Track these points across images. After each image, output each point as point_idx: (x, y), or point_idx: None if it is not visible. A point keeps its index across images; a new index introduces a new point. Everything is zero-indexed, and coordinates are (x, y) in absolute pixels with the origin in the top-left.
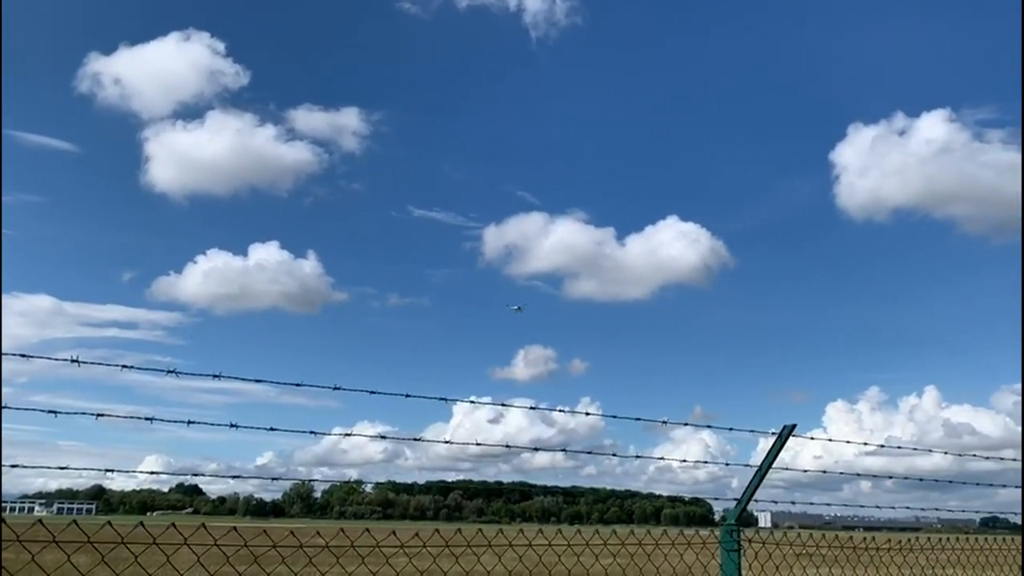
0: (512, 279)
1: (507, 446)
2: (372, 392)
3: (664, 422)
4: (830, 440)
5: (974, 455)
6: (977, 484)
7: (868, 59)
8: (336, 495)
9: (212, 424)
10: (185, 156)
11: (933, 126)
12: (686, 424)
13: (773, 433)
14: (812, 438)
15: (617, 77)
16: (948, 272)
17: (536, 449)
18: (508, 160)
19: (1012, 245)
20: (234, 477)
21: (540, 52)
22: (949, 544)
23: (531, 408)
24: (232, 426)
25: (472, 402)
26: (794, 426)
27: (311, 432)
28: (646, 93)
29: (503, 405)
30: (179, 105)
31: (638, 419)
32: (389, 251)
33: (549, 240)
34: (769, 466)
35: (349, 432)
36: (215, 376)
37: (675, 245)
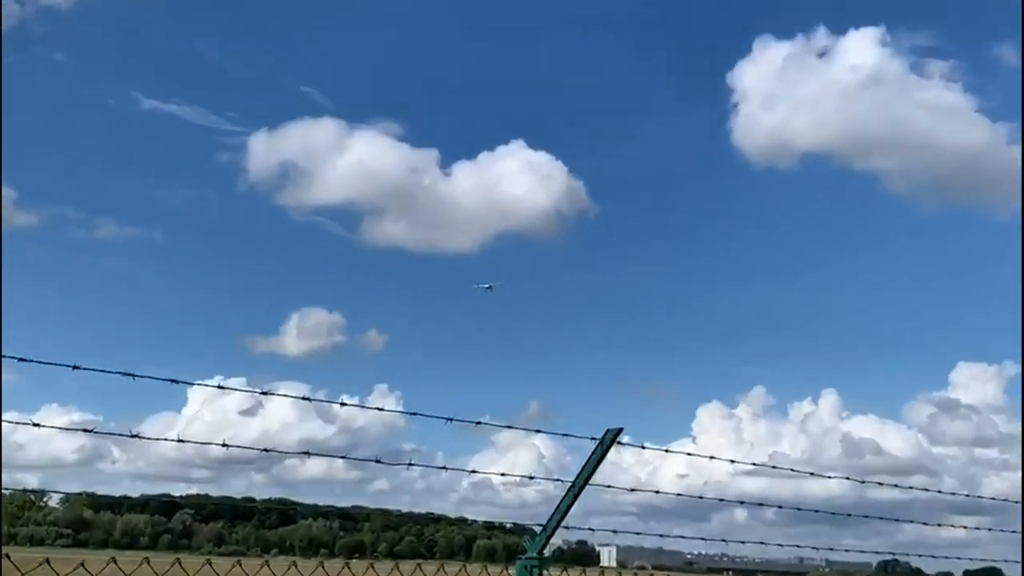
0: (287, 212)
1: (265, 450)
2: (74, 367)
3: (478, 423)
4: (693, 455)
5: (879, 483)
6: (880, 518)
7: None
8: (6, 511)
9: None
10: None
11: (861, 49)
12: (509, 427)
13: (593, 439)
14: (642, 446)
15: None
16: (865, 243)
17: (306, 454)
18: (290, 42)
19: (947, 212)
20: None
21: None
22: None
23: (303, 399)
24: None
25: (219, 387)
26: (619, 431)
27: None
28: None
29: (263, 393)
30: None
31: (450, 419)
32: (103, 157)
33: (344, 160)
34: (585, 483)
35: (31, 420)
36: None
37: (519, 181)
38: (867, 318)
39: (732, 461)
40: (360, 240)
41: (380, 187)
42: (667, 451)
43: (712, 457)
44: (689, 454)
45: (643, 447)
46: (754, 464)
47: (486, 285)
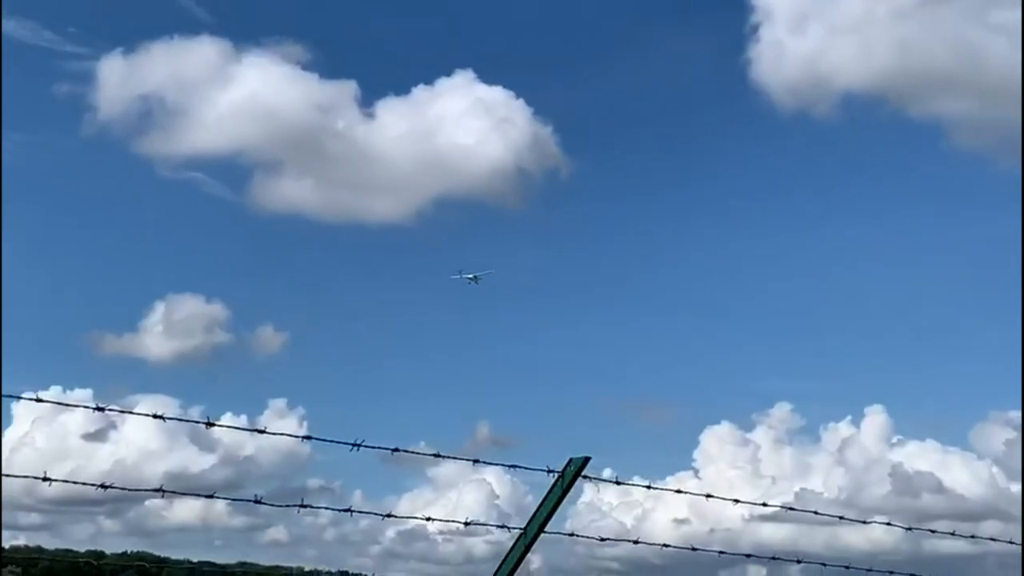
0: (150, 164)
1: (101, 486)
2: None
3: (395, 450)
4: (685, 492)
5: (938, 531)
6: None
7: None
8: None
9: None
10: None
11: None
12: (436, 455)
13: (551, 472)
14: (616, 482)
15: None
16: (922, 216)
17: (159, 491)
18: None
19: None
20: None
21: None
22: None
23: (162, 419)
24: None
25: (60, 403)
26: (585, 461)
27: None
28: None
29: (112, 410)
30: None
31: (357, 444)
32: None
33: (228, 95)
34: (539, 530)
35: None
36: None
37: (467, 126)
38: (925, 314)
39: (736, 501)
40: (249, 204)
41: (277, 133)
42: (648, 487)
43: (709, 496)
44: (679, 491)
45: (616, 482)
46: (774, 506)
47: (470, 275)
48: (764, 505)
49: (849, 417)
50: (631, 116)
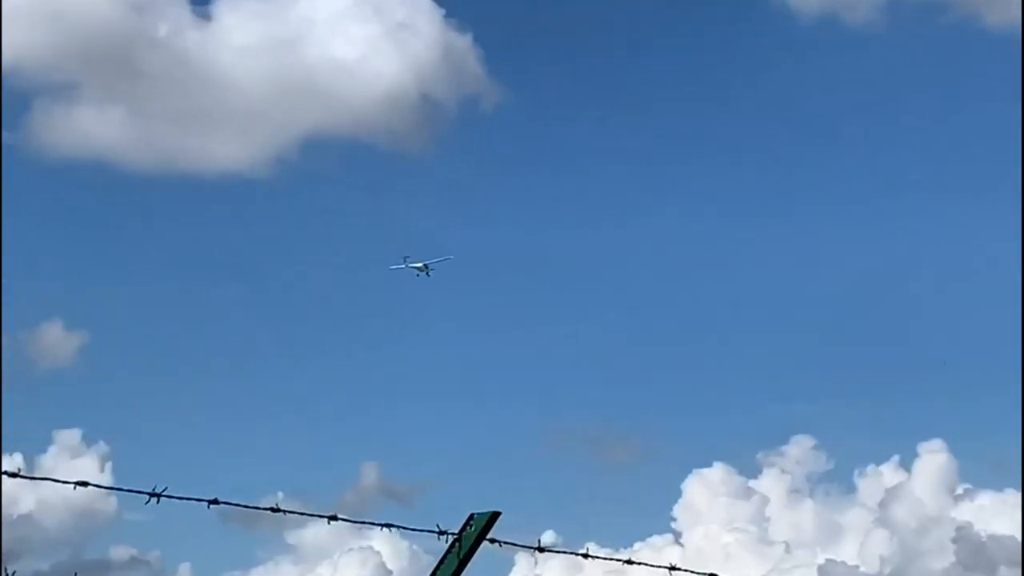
0: None
1: None
2: None
3: (213, 503)
4: (637, 563)
5: None
6: None
7: None
8: None
9: None
10: None
11: None
12: (283, 511)
13: (444, 535)
14: (539, 548)
15: None
16: (993, 166)
17: None
18: None
19: None
20: None
21: None
22: None
23: None
24: None
25: None
26: (492, 519)
27: None
28: None
29: None
30: None
31: (156, 494)
32: None
33: None
34: None
35: None
36: None
37: (346, 33)
38: (1004, 313)
39: None
40: (27, 145)
41: (70, 42)
42: (586, 555)
43: (672, 568)
44: (628, 562)
45: (538, 548)
46: None
47: (417, 265)
48: None
49: (896, 458)
50: (589, 22)
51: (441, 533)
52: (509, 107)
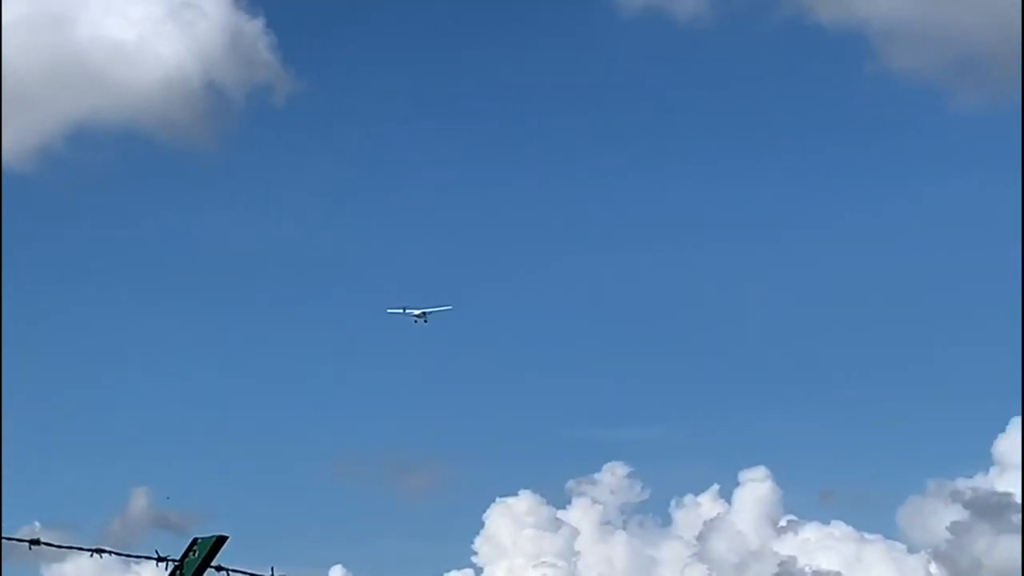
0: None
1: None
2: None
3: None
4: None
5: None
6: None
7: None
8: None
9: None
10: None
11: None
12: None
13: (164, 562)
14: None
15: None
16: (844, 169)
17: None
18: None
19: None
20: None
21: None
22: None
23: None
24: None
25: None
26: (218, 543)
27: None
28: None
29: None
30: None
31: None
32: None
33: None
34: None
35: None
36: None
37: (122, 13)
38: (828, 331)
39: None
40: None
41: None
42: None
43: None
44: None
45: None
46: None
47: (416, 312)
48: None
49: (716, 487)
50: (394, 7)
51: (160, 560)
52: (302, 99)
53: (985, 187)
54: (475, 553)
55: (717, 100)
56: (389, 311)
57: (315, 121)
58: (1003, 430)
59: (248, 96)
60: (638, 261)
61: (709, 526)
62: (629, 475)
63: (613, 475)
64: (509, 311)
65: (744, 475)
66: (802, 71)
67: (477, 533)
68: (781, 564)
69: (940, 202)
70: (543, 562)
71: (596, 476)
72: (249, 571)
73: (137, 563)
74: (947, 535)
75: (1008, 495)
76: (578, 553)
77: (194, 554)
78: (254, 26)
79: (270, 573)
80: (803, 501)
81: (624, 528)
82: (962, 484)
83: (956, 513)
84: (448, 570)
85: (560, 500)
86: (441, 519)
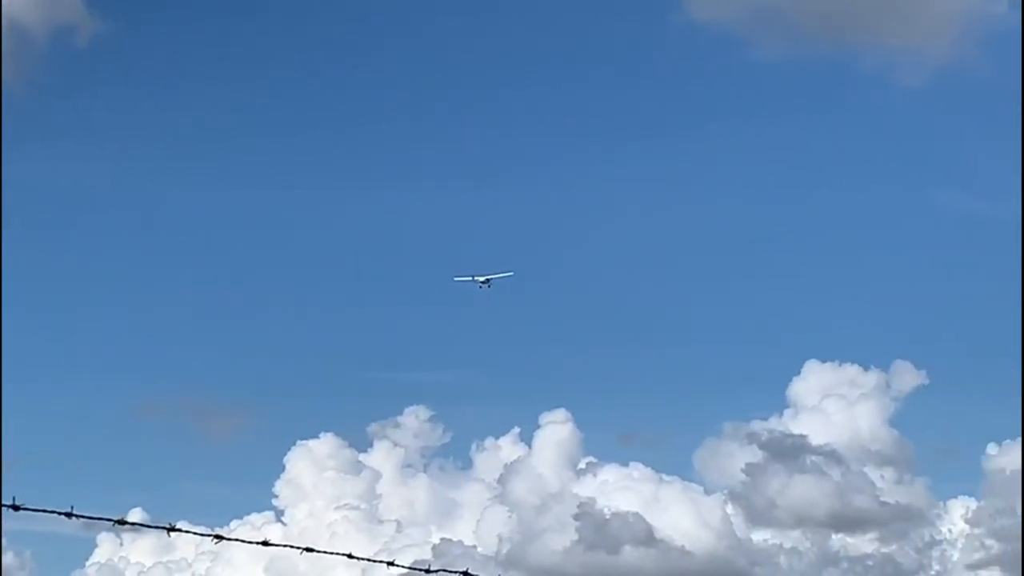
0: None
1: None
2: None
3: None
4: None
5: None
6: None
7: None
8: None
9: None
10: None
11: None
12: None
13: None
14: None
15: None
16: (654, 131)
17: None
18: None
19: None
20: None
21: None
22: None
23: None
24: None
25: None
26: None
27: None
28: None
29: None
30: None
31: None
32: None
33: None
34: None
35: None
36: None
37: None
38: (630, 271)
39: (349, 556)
40: None
41: None
42: (170, 530)
43: (265, 543)
44: (218, 537)
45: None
46: (401, 566)
47: (482, 278)
48: (390, 564)
49: (517, 430)
50: None
51: None
52: (106, 41)
53: (783, 131)
54: (276, 496)
55: (511, 56)
56: (456, 279)
57: (119, 60)
58: (797, 373)
59: (52, 38)
60: (434, 201)
61: (509, 469)
62: (431, 419)
63: (415, 418)
64: (312, 253)
65: (544, 418)
66: (609, 25)
67: (278, 476)
68: (580, 506)
69: (739, 149)
70: (344, 504)
71: (398, 419)
72: (48, 509)
73: None
74: (743, 476)
75: (802, 437)
76: (379, 496)
77: None
78: None
79: (69, 511)
80: (603, 444)
81: (425, 471)
82: (757, 426)
83: (751, 455)
84: (248, 513)
85: (362, 443)
86: (242, 462)
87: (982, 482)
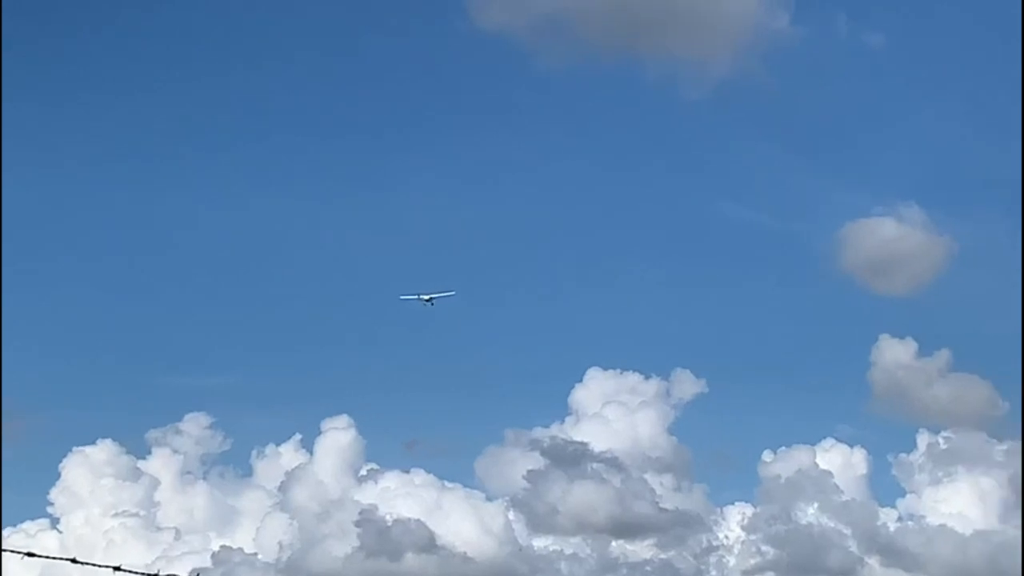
0: None
1: None
2: None
3: None
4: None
5: None
6: None
7: None
8: None
9: None
10: None
11: None
12: None
13: None
14: None
15: None
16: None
17: None
18: None
19: None
20: None
21: None
22: None
23: None
24: None
25: None
26: None
27: None
28: None
29: None
30: None
31: None
32: None
33: None
34: None
35: None
36: None
37: None
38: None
39: (116, 569)
40: None
41: None
42: None
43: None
44: None
45: None
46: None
47: (426, 297)
48: None
49: (298, 436)
50: None
51: None
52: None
53: (566, 140)
54: (51, 503)
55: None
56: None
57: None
58: (580, 380)
59: None
60: (195, 207)
61: (291, 476)
62: (211, 425)
63: (195, 425)
64: (88, 255)
65: (327, 424)
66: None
67: (53, 483)
68: (362, 512)
69: (526, 159)
70: (122, 512)
71: (178, 425)
72: None
73: None
74: (524, 483)
75: (584, 444)
76: (158, 503)
77: None
78: None
79: None
80: (386, 450)
81: (205, 478)
82: (539, 433)
83: (533, 461)
84: (23, 521)
85: (140, 450)
86: (16, 469)
87: (757, 488)
